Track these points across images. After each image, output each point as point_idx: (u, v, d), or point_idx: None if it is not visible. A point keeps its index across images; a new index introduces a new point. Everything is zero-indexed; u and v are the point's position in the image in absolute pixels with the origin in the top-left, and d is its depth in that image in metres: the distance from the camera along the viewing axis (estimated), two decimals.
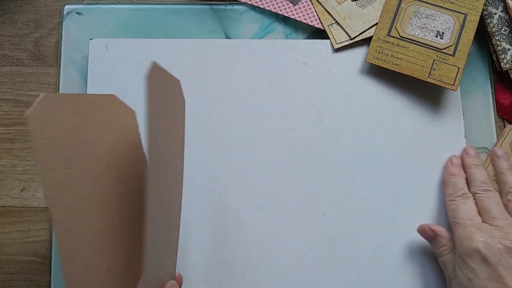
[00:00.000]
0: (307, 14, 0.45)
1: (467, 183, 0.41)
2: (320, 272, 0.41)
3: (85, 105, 0.31)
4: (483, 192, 0.39)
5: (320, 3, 0.45)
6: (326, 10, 0.45)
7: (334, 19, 0.45)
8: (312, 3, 0.45)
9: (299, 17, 0.45)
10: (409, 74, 0.42)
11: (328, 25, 0.45)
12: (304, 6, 0.45)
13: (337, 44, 0.44)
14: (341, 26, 0.44)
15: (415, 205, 0.42)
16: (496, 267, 0.34)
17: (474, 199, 0.39)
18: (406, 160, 0.43)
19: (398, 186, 0.42)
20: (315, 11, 0.45)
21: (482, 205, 0.38)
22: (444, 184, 0.42)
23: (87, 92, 0.43)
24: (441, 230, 0.40)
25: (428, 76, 0.42)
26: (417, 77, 0.42)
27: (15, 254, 0.42)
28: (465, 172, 0.41)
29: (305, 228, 0.41)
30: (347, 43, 0.44)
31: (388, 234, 0.42)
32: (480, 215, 0.38)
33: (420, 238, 0.41)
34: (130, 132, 0.33)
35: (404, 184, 0.43)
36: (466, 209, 0.38)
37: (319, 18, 0.45)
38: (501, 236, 0.36)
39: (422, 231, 0.41)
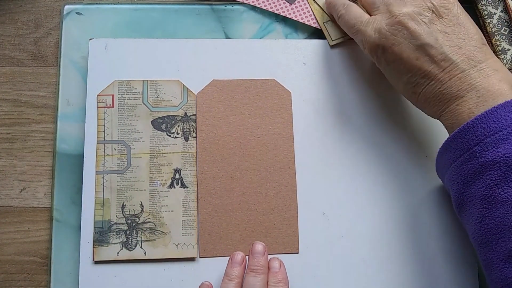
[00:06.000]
0: (303, 13, 0.45)
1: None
2: (320, 271, 0.41)
3: (248, 87, 0.43)
4: None
5: (316, 1, 0.45)
6: (321, 8, 0.45)
7: (329, 17, 0.45)
8: (308, 2, 0.45)
9: (296, 16, 0.45)
10: None
11: (323, 23, 0.45)
12: (300, 5, 0.45)
13: (333, 41, 0.44)
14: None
15: (415, 205, 0.42)
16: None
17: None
18: (406, 160, 0.43)
19: (398, 186, 0.42)
20: (311, 9, 0.45)
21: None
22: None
23: (87, 92, 0.43)
24: None
25: None
26: None
27: (15, 254, 0.42)
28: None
29: (305, 228, 0.41)
30: (342, 39, 0.44)
31: (388, 233, 0.42)
32: None
33: (419, 238, 0.41)
34: (285, 109, 0.43)
35: (404, 184, 0.43)
36: None
37: (314, 16, 0.45)
38: None
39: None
